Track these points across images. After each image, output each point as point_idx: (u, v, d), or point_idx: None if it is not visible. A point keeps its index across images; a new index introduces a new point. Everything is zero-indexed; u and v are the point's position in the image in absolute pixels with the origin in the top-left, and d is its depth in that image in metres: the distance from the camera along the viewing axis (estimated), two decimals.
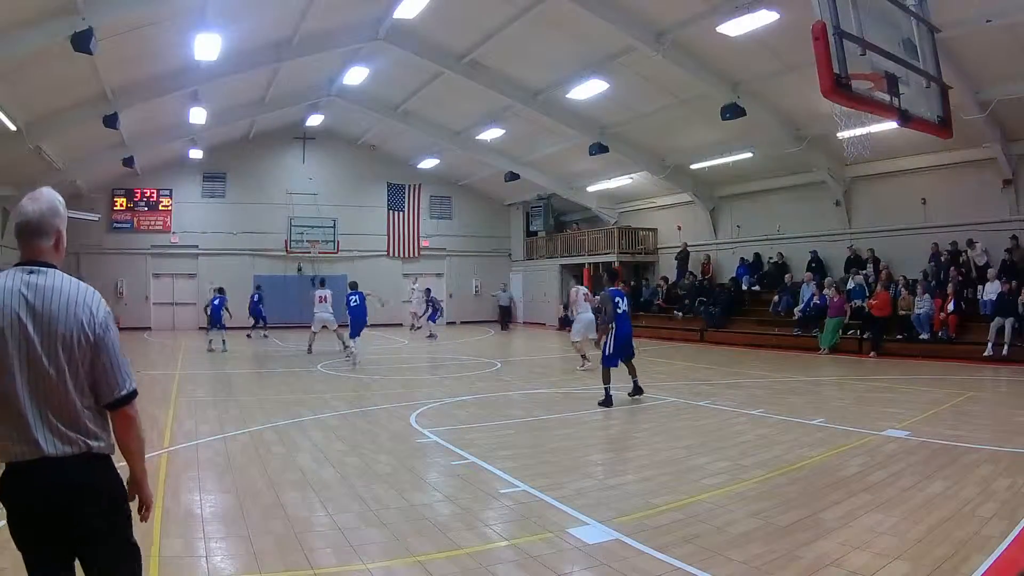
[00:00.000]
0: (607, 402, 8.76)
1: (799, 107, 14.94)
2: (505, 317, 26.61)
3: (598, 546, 3.94)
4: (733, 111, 14.73)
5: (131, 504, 2.28)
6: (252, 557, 3.81)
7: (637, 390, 9.15)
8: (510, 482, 5.31)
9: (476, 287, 28.81)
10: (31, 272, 2.09)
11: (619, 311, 9.03)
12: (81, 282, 2.15)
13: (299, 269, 25.60)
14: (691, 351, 16.68)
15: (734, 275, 20.18)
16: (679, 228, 22.77)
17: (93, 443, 2.09)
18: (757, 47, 12.90)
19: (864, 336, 14.90)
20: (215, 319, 16.86)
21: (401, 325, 24.67)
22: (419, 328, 21.65)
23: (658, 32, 13.57)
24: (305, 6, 13.89)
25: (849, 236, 17.54)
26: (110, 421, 2.17)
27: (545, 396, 9.95)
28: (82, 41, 10.38)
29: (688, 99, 16.03)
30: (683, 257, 21.73)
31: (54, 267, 2.14)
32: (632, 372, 9.24)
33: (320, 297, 15.90)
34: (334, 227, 26.06)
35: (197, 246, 24.71)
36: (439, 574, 3.62)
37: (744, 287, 19.65)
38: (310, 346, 15.98)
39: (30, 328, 2.02)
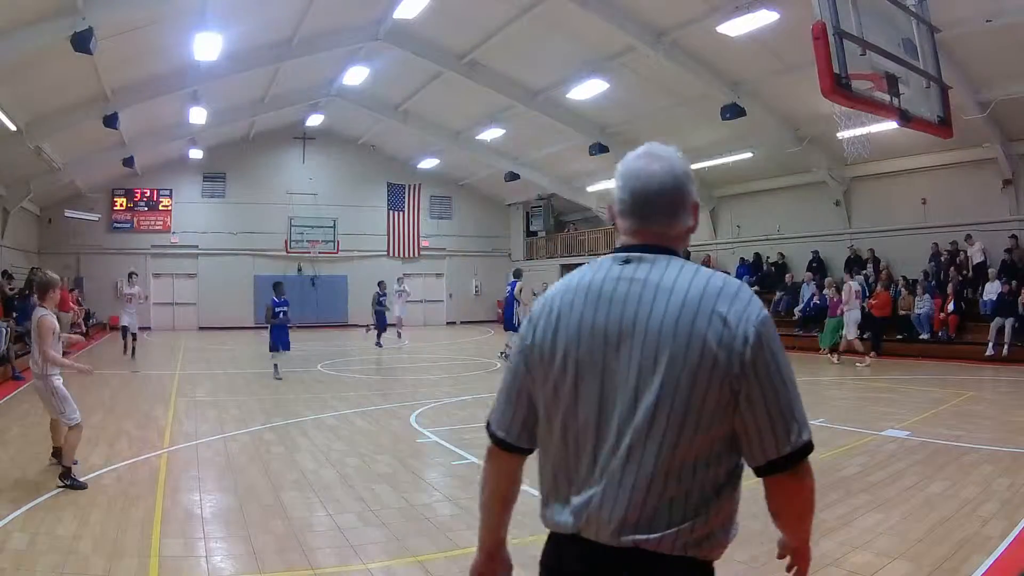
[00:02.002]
0: None
1: (799, 107, 14.92)
2: None
3: None
4: (733, 111, 14.72)
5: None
6: (252, 557, 3.81)
7: None
8: None
9: (476, 287, 28.80)
10: (627, 262, 1.36)
11: None
12: (718, 274, 1.37)
13: (299, 269, 25.60)
14: None
15: (734, 275, 20.17)
16: None
17: (691, 542, 1.29)
18: (757, 47, 12.89)
19: (864, 336, 14.89)
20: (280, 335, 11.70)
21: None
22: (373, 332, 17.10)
23: (658, 32, 13.56)
24: (305, 6, 13.89)
25: (849, 236, 17.53)
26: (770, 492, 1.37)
27: None
28: (82, 41, 10.36)
29: (688, 99, 16.01)
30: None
31: (670, 251, 1.39)
32: None
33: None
34: (334, 227, 26.08)
35: (197, 246, 24.71)
36: (439, 574, 3.62)
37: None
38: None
39: (605, 343, 1.31)
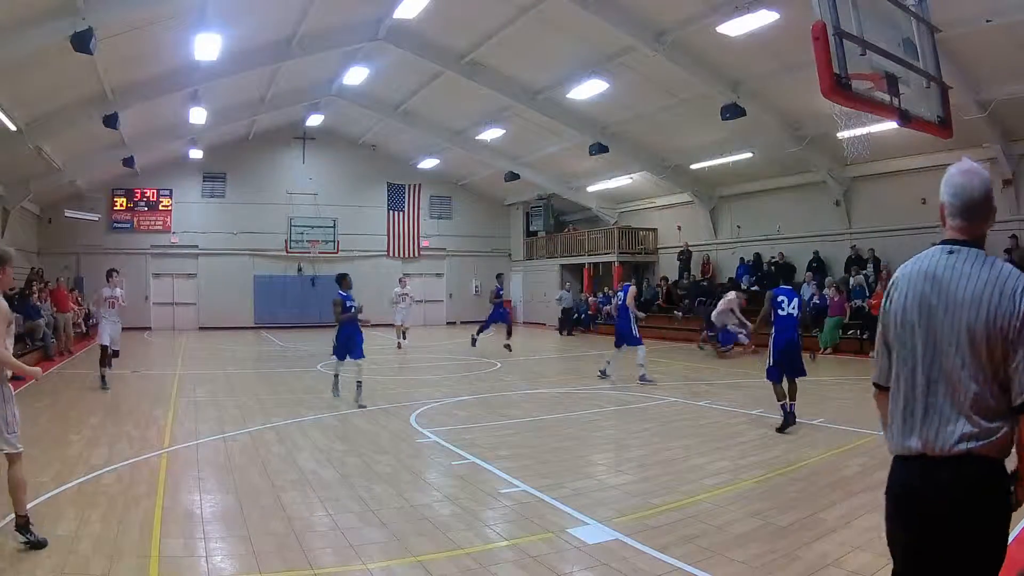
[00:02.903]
0: (783, 425, 7.12)
1: (799, 107, 14.92)
2: (569, 321, 22.80)
3: (598, 546, 3.95)
4: (733, 111, 14.71)
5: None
6: (252, 557, 3.81)
7: (788, 420, 7.14)
8: (510, 482, 5.31)
9: (476, 287, 28.80)
10: (951, 252, 1.99)
11: (780, 312, 7.58)
12: (1007, 265, 1.93)
13: (299, 269, 25.61)
14: (691, 351, 16.70)
15: (734, 275, 20.18)
16: (679, 228, 22.77)
17: (1004, 448, 1.86)
18: (757, 47, 12.88)
19: (864, 336, 14.90)
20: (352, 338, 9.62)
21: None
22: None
23: (658, 32, 13.56)
24: (305, 6, 13.89)
25: (849, 236, 17.53)
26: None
27: (545, 396, 9.95)
28: (82, 41, 10.36)
29: (688, 99, 16.01)
30: (686, 257, 21.74)
31: (978, 246, 2.00)
32: (791, 394, 7.30)
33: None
34: (334, 227, 26.09)
35: (197, 246, 24.72)
36: (439, 574, 3.62)
37: (744, 287, 19.64)
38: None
39: (935, 311, 1.93)
